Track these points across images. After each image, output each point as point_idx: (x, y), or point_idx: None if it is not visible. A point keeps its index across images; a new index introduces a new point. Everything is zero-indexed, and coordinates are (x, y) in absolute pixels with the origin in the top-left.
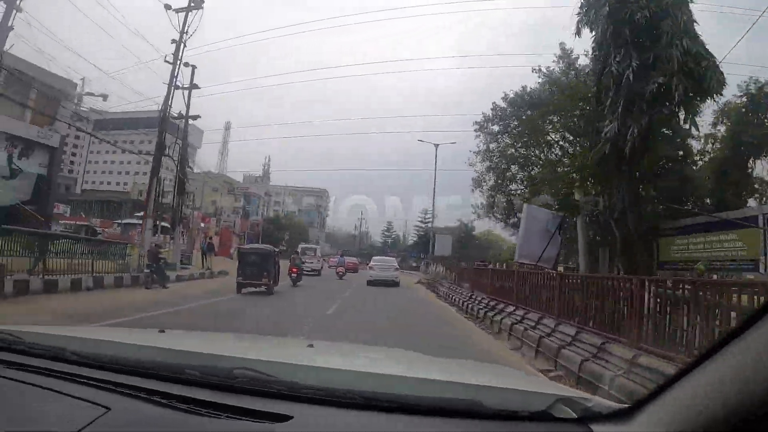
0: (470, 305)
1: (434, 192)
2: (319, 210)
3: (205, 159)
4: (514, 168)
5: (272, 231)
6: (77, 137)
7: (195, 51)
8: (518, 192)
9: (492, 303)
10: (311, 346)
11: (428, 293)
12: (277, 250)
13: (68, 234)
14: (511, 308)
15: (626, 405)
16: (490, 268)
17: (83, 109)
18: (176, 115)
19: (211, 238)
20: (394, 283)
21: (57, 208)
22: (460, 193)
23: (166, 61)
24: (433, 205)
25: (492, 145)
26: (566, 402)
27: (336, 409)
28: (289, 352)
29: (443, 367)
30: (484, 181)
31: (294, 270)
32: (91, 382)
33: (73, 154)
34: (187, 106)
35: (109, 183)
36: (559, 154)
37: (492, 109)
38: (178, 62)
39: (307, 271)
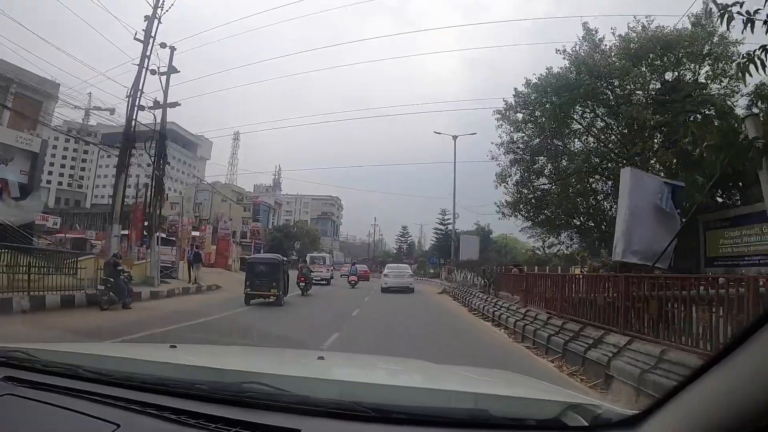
0: (529, 328)
1: (454, 188)
2: (332, 218)
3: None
4: (541, 160)
5: (282, 240)
6: (86, 152)
7: (200, 53)
8: (546, 186)
9: (570, 326)
10: (321, 358)
11: (459, 308)
12: (285, 259)
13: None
14: (617, 339)
15: (636, 411)
16: (560, 274)
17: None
18: (152, 104)
19: (197, 246)
20: (408, 290)
21: (45, 219)
22: (480, 194)
23: (136, 39)
24: (454, 202)
25: (516, 135)
26: (576, 409)
27: (344, 422)
28: (299, 364)
29: (451, 375)
30: (509, 176)
31: (302, 279)
32: (103, 399)
33: (83, 169)
34: (165, 93)
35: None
36: (593, 140)
37: (514, 96)
38: (151, 40)
39: (316, 280)
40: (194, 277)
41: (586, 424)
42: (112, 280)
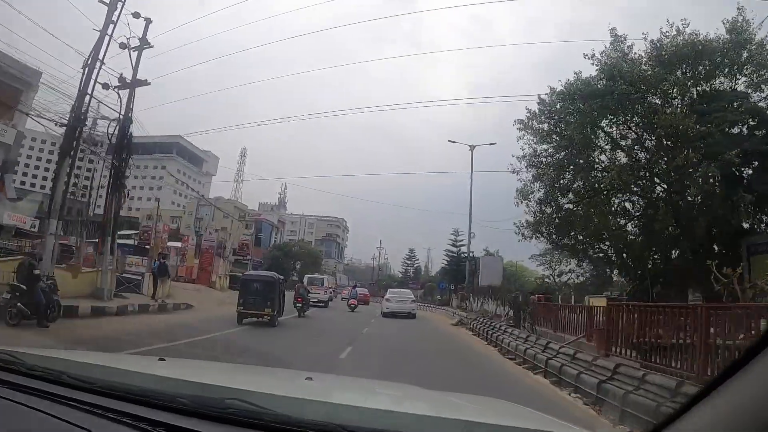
0: (638, 399)
1: (470, 203)
2: (337, 240)
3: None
4: (567, 175)
5: (281, 259)
6: (90, 161)
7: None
8: (571, 206)
9: None
10: (309, 378)
11: (485, 348)
12: (282, 278)
13: None
14: None
15: None
16: (701, 305)
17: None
18: (119, 83)
19: (164, 257)
20: (410, 315)
21: (23, 222)
22: (491, 214)
23: (101, 2)
24: (470, 218)
25: (540, 147)
26: None
27: None
28: (286, 384)
29: (441, 402)
30: (531, 193)
31: (299, 300)
32: (80, 406)
33: (87, 178)
34: (135, 69)
35: (120, 208)
36: (623, 155)
37: (539, 104)
38: (120, 4)
39: (313, 301)
40: (162, 292)
41: None
42: (24, 288)
